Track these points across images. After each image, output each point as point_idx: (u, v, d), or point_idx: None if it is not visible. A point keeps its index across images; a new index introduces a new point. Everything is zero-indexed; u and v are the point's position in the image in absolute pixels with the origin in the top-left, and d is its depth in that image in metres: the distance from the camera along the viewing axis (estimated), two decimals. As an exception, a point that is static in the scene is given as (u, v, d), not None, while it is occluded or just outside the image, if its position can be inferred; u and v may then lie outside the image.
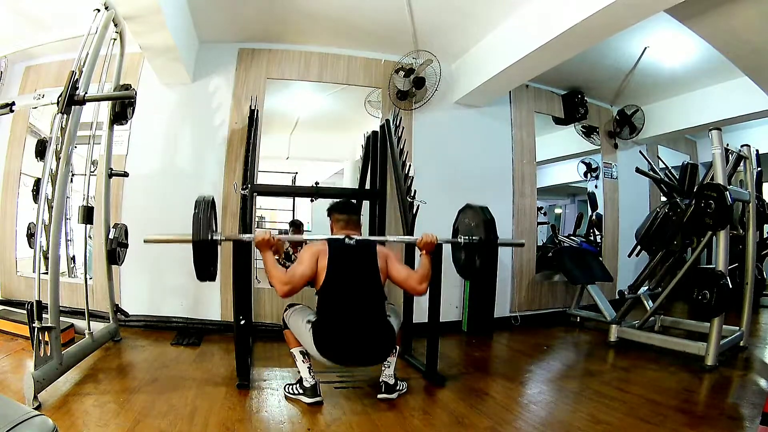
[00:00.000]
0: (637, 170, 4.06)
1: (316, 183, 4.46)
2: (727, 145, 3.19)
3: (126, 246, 3.12)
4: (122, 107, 2.95)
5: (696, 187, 3.46)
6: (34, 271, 2.20)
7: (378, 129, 3.79)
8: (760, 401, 2.26)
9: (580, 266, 4.32)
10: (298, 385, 2.26)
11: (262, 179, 3.77)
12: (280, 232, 6.31)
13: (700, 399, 2.49)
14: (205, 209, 2.16)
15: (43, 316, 2.09)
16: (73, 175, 3.00)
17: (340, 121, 5.73)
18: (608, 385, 2.59)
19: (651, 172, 4.01)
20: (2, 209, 3.79)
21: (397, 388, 2.33)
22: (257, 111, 3.59)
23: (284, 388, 2.32)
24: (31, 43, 3.59)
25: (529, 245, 4.41)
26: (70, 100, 2.15)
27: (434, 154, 4.03)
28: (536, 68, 3.51)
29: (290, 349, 2.34)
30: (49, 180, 2.19)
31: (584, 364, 3.27)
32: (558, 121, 4.88)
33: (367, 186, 3.87)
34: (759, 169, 3.64)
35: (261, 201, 5.38)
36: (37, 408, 1.91)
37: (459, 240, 2.53)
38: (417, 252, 2.52)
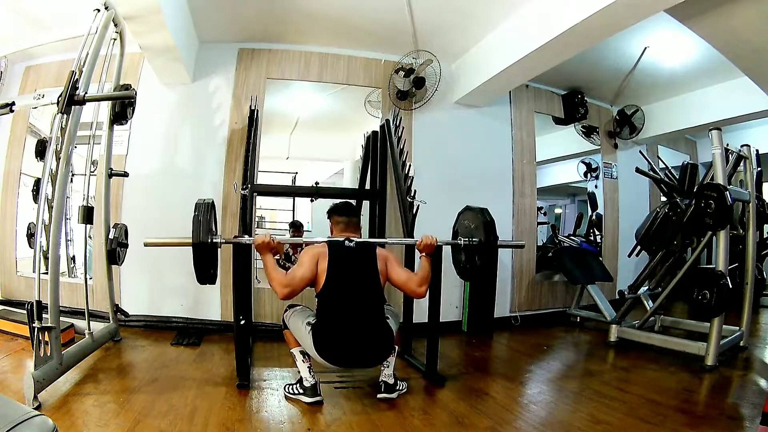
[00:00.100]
0: (637, 170, 4.06)
1: (316, 183, 4.46)
2: (727, 145, 3.19)
3: (126, 246, 3.11)
4: (122, 107, 2.95)
5: (696, 187, 3.46)
6: (34, 271, 2.19)
7: (378, 129, 3.79)
8: (760, 401, 2.26)
9: (580, 266, 4.32)
10: (298, 385, 2.26)
11: (262, 179, 3.77)
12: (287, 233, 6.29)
13: (700, 399, 2.49)
14: (204, 212, 2.16)
15: (43, 316, 2.09)
16: (73, 175, 3.00)
17: (340, 121, 5.73)
18: (608, 385, 2.59)
19: (651, 172, 4.01)
20: (2, 209, 3.79)
21: (397, 387, 2.33)
22: (257, 111, 3.59)
23: (284, 388, 2.32)
24: (31, 43, 3.59)
25: (529, 245, 4.41)
26: (70, 100, 2.15)
27: (434, 154, 4.03)
28: (536, 68, 3.51)
29: (290, 349, 2.34)
30: (49, 180, 2.19)
31: (584, 364, 3.27)
32: (558, 121, 4.87)
33: (367, 186, 3.87)
34: (759, 169, 3.64)
35: (261, 201, 5.38)
36: (37, 408, 1.91)
37: (459, 242, 2.53)
38: (417, 254, 2.52)
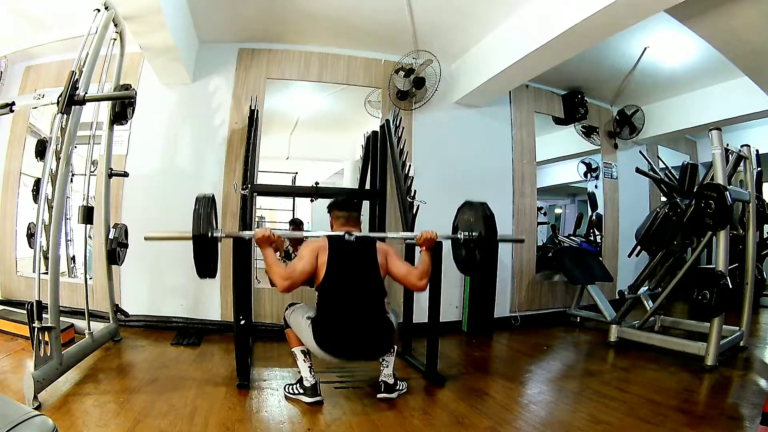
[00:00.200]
0: (637, 170, 4.06)
1: (316, 183, 4.46)
2: (727, 145, 3.19)
3: (126, 246, 3.11)
4: (122, 107, 2.95)
5: (696, 187, 3.46)
6: (34, 271, 2.20)
7: (378, 129, 3.79)
8: (760, 401, 2.26)
9: (580, 266, 4.32)
10: (298, 385, 2.26)
11: (262, 179, 3.77)
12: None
13: (700, 399, 2.48)
14: (205, 205, 2.16)
15: (43, 316, 2.09)
16: (73, 175, 3.00)
17: (340, 121, 5.72)
18: (608, 385, 2.59)
19: (651, 172, 4.01)
20: (2, 209, 3.79)
21: (397, 387, 2.33)
22: (257, 111, 3.59)
23: (284, 388, 2.32)
24: (31, 43, 3.59)
25: (529, 245, 4.41)
26: (70, 100, 2.15)
27: (434, 154, 4.03)
28: (536, 68, 3.51)
29: (291, 349, 2.34)
30: (49, 180, 2.19)
31: (584, 364, 3.27)
32: (558, 121, 4.87)
33: (367, 186, 3.88)
34: (759, 169, 3.64)
35: (261, 201, 5.38)
36: (37, 408, 1.91)
37: (459, 236, 2.52)
38: (417, 250, 2.52)
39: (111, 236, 2.99)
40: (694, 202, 3.08)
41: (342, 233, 2.31)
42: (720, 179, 2.96)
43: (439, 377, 2.59)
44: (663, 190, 4.05)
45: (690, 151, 5.89)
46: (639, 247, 3.86)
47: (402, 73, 3.80)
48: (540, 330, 4.09)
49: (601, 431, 1.99)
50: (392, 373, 2.32)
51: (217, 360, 2.89)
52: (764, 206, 3.75)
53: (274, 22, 3.58)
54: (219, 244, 2.26)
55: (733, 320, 3.27)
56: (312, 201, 5.35)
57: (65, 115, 2.19)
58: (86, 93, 2.21)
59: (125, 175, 3.17)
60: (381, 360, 2.33)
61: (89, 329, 2.70)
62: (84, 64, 2.26)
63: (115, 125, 3.05)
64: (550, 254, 4.67)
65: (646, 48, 3.88)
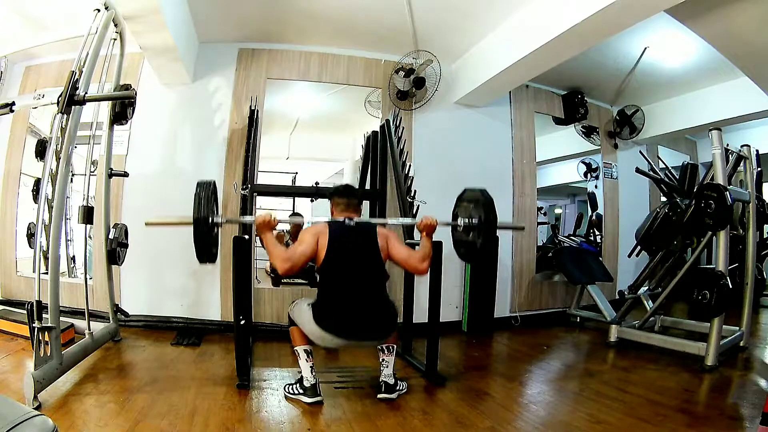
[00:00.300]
0: (637, 170, 4.06)
1: (316, 183, 4.46)
2: (727, 145, 3.19)
3: (126, 246, 3.12)
4: (122, 107, 2.95)
5: (696, 187, 3.46)
6: (34, 271, 2.19)
7: (378, 129, 3.79)
8: (760, 401, 2.26)
9: (580, 266, 4.32)
10: (298, 385, 2.26)
11: (262, 179, 3.77)
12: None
13: (700, 399, 2.49)
14: (206, 190, 2.16)
15: (43, 316, 2.09)
16: (73, 175, 3.01)
17: (340, 121, 5.73)
18: (608, 385, 2.59)
19: (651, 172, 4.01)
20: (2, 209, 3.79)
21: (397, 388, 2.32)
22: (257, 111, 3.59)
23: (284, 388, 2.32)
24: (31, 43, 3.59)
25: (529, 245, 4.41)
26: (70, 100, 2.15)
27: (434, 154, 4.03)
28: (536, 68, 3.51)
29: (294, 347, 2.32)
30: (49, 180, 2.19)
31: (584, 364, 3.27)
32: (558, 121, 4.87)
33: (368, 186, 3.87)
34: (759, 169, 3.63)
35: (261, 201, 5.37)
36: (37, 408, 1.91)
37: (459, 223, 2.51)
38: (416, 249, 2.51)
39: (111, 236, 2.99)
40: (694, 202, 3.08)
41: (342, 219, 2.32)
42: (720, 179, 2.96)
43: (439, 377, 2.59)
44: (663, 190, 4.05)
45: (690, 151, 5.89)
46: (639, 247, 3.86)
47: (402, 73, 3.80)
48: (540, 330, 4.09)
49: (601, 431, 1.99)
50: (393, 373, 2.32)
51: (217, 360, 2.89)
52: (764, 206, 3.75)
53: (274, 22, 3.58)
54: (219, 229, 2.26)
55: (733, 320, 3.26)
56: (312, 201, 5.36)
57: (65, 115, 2.19)
58: (86, 93, 2.21)
59: (125, 175, 3.16)
60: (381, 360, 2.33)
61: (89, 329, 2.70)
62: (84, 64, 2.26)
63: (115, 125, 3.05)
64: (550, 254, 4.67)
65: (646, 48, 3.88)
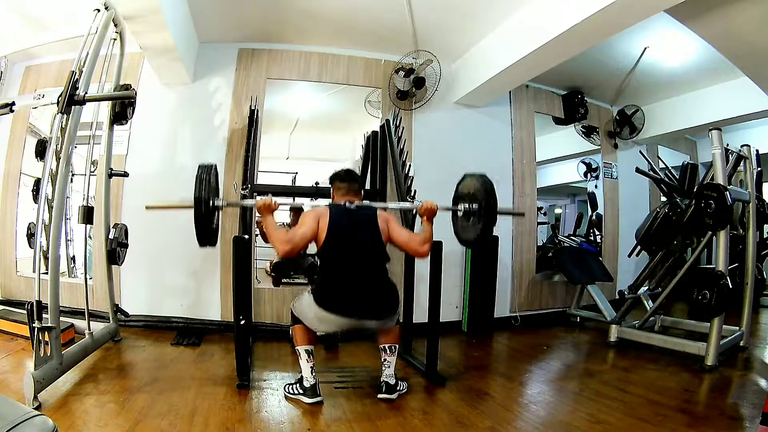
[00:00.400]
0: (637, 170, 4.06)
1: (316, 183, 4.45)
2: (727, 145, 3.19)
3: (126, 246, 3.11)
4: (122, 107, 2.95)
5: (696, 187, 3.46)
6: (34, 271, 2.19)
7: (378, 129, 3.79)
8: (760, 401, 2.26)
9: (580, 266, 4.32)
10: (298, 385, 2.26)
11: (262, 179, 3.77)
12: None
13: (700, 399, 2.49)
14: (207, 171, 2.16)
15: (43, 316, 2.09)
16: (73, 175, 3.01)
17: (340, 121, 5.73)
18: (608, 385, 2.59)
19: (651, 172, 4.01)
20: (2, 209, 3.79)
21: (398, 388, 2.32)
22: (257, 111, 3.59)
23: (284, 388, 2.32)
24: (31, 43, 3.59)
25: (529, 245, 4.41)
26: (70, 100, 2.15)
27: (434, 154, 4.03)
28: (536, 68, 3.51)
29: (296, 347, 2.32)
30: (49, 180, 2.19)
31: (584, 364, 3.27)
32: (558, 121, 4.87)
33: (368, 186, 3.87)
34: (759, 169, 3.64)
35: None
36: (37, 408, 1.91)
37: (459, 208, 2.50)
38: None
39: (111, 236, 2.99)
40: (694, 202, 3.08)
41: (343, 202, 2.32)
42: (720, 179, 2.96)
43: (439, 377, 2.59)
44: (663, 190, 4.05)
45: (690, 151, 5.89)
46: (639, 247, 3.86)
47: (402, 73, 3.80)
48: (540, 330, 4.09)
49: (600, 431, 1.99)
50: (394, 373, 2.32)
51: (217, 360, 2.89)
52: (764, 206, 3.75)
53: (274, 22, 3.58)
54: (219, 213, 2.26)
55: (733, 320, 3.26)
56: (312, 201, 5.35)
57: (65, 115, 2.19)
58: (86, 93, 2.21)
59: (125, 175, 3.16)
60: (383, 360, 2.33)
61: (89, 329, 2.70)
62: (84, 64, 2.26)
63: (115, 125, 3.05)
64: (550, 254, 4.67)
65: (646, 48, 3.87)
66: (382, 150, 3.70)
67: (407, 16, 3.33)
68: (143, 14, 2.68)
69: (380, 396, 2.27)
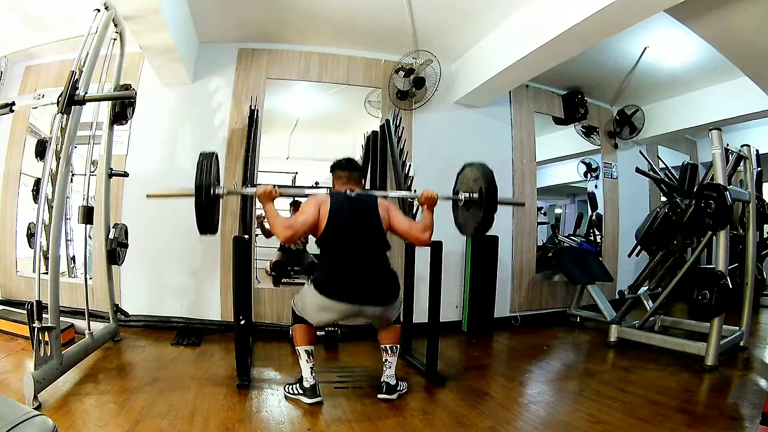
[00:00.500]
0: (637, 170, 4.06)
1: (316, 183, 4.46)
2: (727, 145, 3.19)
3: (126, 246, 3.11)
4: (122, 107, 2.95)
5: (696, 187, 3.46)
6: (34, 271, 2.19)
7: (378, 129, 3.79)
8: (760, 401, 2.26)
9: (580, 266, 4.32)
10: (298, 385, 2.26)
11: (262, 179, 3.76)
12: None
13: (700, 399, 2.49)
14: (208, 158, 2.16)
15: (43, 316, 2.09)
16: (73, 175, 3.01)
17: (340, 121, 5.73)
18: (608, 385, 2.59)
19: (651, 172, 4.01)
20: (2, 209, 3.79)
21: (398, 388, 2.32)
22: (257, 111, 3.59)
23: (284, 388, 2.32)
24: (31, 43, 3.59)
25: (529, 245, 4.41)
26: (70, 100, 2.15)
27: (434, 154, 4.02)
28: (536, 68, 3.51)
29: (296, 347, 2.31)
30: (49, 180, 2.19)
31: (584, 364, 3.27)
32: (558, 121, 4.87)
33: (368, 186, 3.87)
34: (759, 169, 3.64)
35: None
36: (37, 408, 1.91)
37: (460, 196, 2.50)
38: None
39: (111, 236, 2.99)
40: (694, 202, 3.08)
41: (344, 190, 2.33)
42: (720, 179, 2.96)
43: (439, 377, 2.59)
44: (663, 190, 4.05)
45: (690, 151, 5.89)
46: (639, 247, 3.86)
47: (402, 73, 3.80)
48: (540, 330, 4.09)
49: (600, 431, 1.99)
50: (394, 373, 2.32)
51: (217, 360, 2.89)
52: (764, 206, 3.75)
53: (274, 22, 3.58)
54: (220, 201, 2.26)
55: (733, 320, 3.26)
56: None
57: (65, 115, 2.19)
58: (86, 93, 2.21)
59: (125, 175, 3.16)
60: (384, 360, 2.33)
61: (89, 329, 2.69)
62: (84, 64, 2.26)
63: (115, 125, 3.05)
64: (550, 254, 4.67)
65: (646, 48, 3.87)
66: (382, 150, 3.70)
67: (407, 16, 3.33)
68: (143, 14, 2.68)
69: (380, 396, 2.27)
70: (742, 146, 3.45)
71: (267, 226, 4.20)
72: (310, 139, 6.39)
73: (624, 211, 5.03)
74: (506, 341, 3.76)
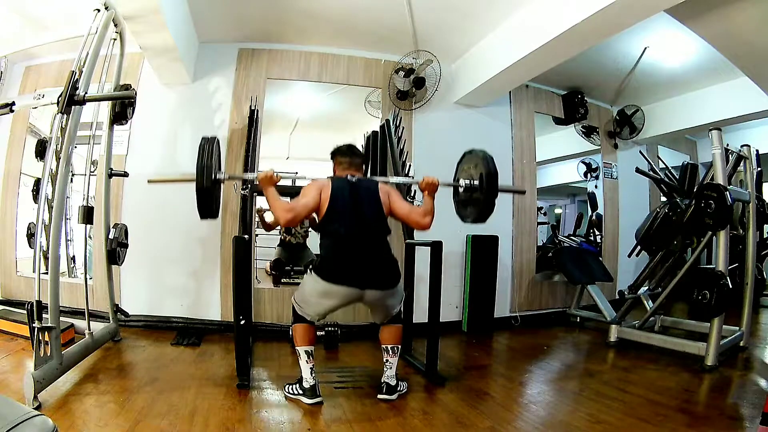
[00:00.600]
0: (637, 170, 4.06)
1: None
2: (727, 145, 3.19)
3: (126, 246, 3.12)
4: (122, 107, 2.95)
5: (696, 187, 3.46)
6: (34, 271, 2.19)
7: (378, 129, 3.79)
8: (760, 401, 2.26)
9: (580, 266, 4.32)
10: (298, 386, 2.26)
11: (261, 179, 3.76)
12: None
13: (700, 399, 2.49)
14: (210, 143, 2.16)
15: (43, 316, 2.09)
16: (73, 175, 3.01)
17: (340, 121, 5.72)
18: (608, 385, 2.59)
19: (651, 172, 4.00)
20: (2, 209, 3.79)
21: (398, 388, 2.32)
22: (257, 111, 3.59)
23: (284, 388, 2.32)
24: (31, 43, 3.59)
25: (529, 245, 4.41)
26: (70, 100, 2.15)
27: (434, 154, 4.01)
28: (536, 68, 3.51)
29: (296, 347, 2.31)
30: (49, 180, 2.19)
31: (584, 364, 3.27)
32: (558, 121, 4.87)
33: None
34: (759, 169, 3.64)
35: (261, 201, 5.37)
36: (37, 408, 1.91)
37: (460, 183, 2.49)
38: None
39: (111, 236, 2.99)
40: (694, 202, 3.08)
41: (345, 175, 2.33)
42: (720, 179, 2.96)
43: (439, 377, 2.59)
44: (663, 190, 4.05)
45: (690, 151, 5.89)
46: (639, 247, 3.86)
47: (402, 73, 3.80)
48: (540, 330, 4.09)
49: (600, 431, 1.99)
50: (395, 374, 2.32)
51: (217, 360, 2.89)
52: (764, 206, 3.75)
53: (274, 22, 3.58)
54: (221, 186, 2.27)
55: (733, 320, 3.26)
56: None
57: (65, 115, 2.19)
58: (86, 93, 2.21)
59: (125, 175, 3.16)
60: (385, 360, 2.33)
61: (89, 329, 2.70)
62: (84, 64, 2.26)
63: (115, 125, 3.05)
64: (550, 254, 4.67)
65: (646, 48, 3.88)
66: (382, 150, 3.70)
67: (407, 16, 3.33)
68: (143, 14, 2.68)
69: (380, 396, 2.27)
70: (742, 146, 3.45)
71: (267, 219, 4.20)
72: (310, 139, 6.39)
73: (624, 211, 5.04)
74: (506, 341, 3.76)
